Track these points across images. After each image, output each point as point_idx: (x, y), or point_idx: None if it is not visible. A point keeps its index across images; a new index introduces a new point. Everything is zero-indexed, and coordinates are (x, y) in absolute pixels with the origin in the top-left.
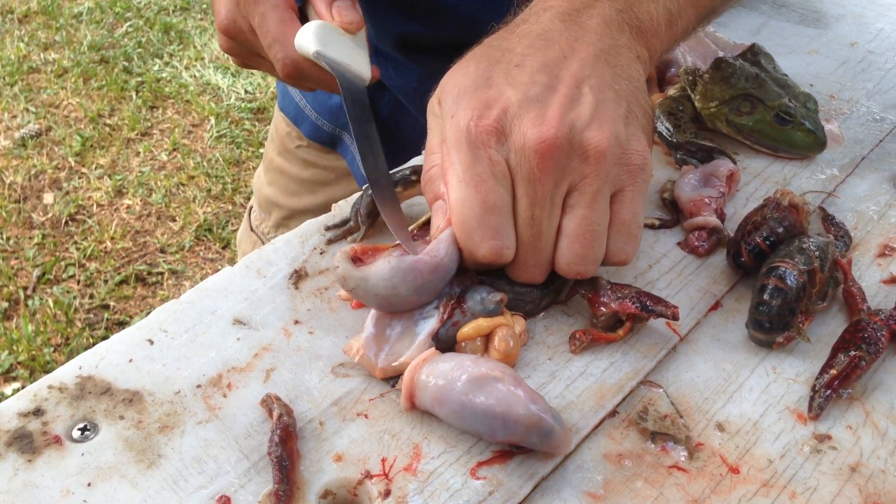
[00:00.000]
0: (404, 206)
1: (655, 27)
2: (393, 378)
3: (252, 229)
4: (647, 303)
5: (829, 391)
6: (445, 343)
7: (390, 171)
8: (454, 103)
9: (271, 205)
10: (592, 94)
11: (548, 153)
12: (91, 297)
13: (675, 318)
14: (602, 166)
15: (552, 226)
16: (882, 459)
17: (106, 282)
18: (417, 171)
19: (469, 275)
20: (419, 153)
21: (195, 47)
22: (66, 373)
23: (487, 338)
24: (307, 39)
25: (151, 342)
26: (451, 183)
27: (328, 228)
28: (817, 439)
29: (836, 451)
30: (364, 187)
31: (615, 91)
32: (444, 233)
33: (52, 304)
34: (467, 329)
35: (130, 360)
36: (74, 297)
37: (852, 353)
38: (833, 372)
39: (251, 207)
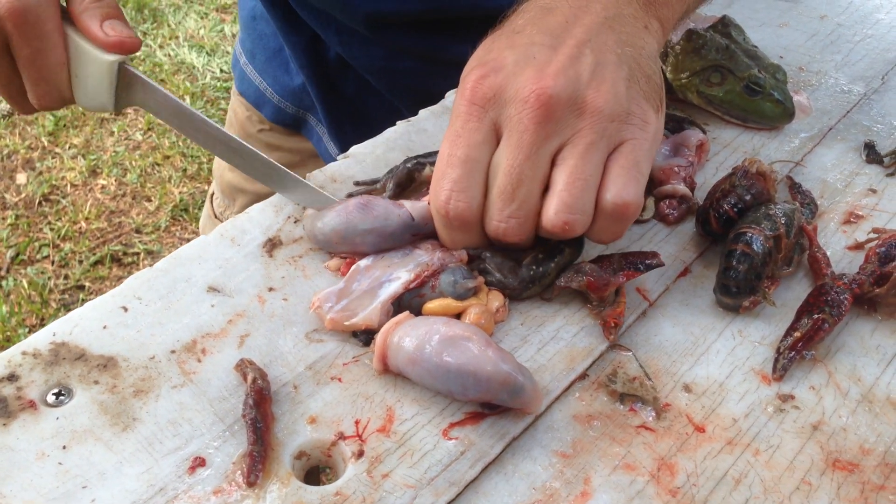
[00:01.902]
0: None
1: (671, 2)
2: (364, 335)
3: (216, 216)
4: (639, 262)
5: (792, 353)
6: (408, 311)
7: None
8: (461, 82)
9: (235, 191)
10: (593, 55)
11: (542, 106)
12: (66, 277)
13: (662, 264)
14: (597, 121)
15: (535, 177)
16: (843, 418)
17: (81, 262)
18: None
19: (458, 253)
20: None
21: (169, 26)
22: (39, 339)
23: (458, 315)
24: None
25: (125, 309)
26: None
27: (357, 184)
28: (781, 399)
29: (798, 411)
30: (405, 159)
31: (617, 55)
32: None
33: (26, 285)
34: (434, 305)
35: (105, 327)
36: (49, 278)
37: (816, 315)
38: (797, 334)
39: (212, 194)
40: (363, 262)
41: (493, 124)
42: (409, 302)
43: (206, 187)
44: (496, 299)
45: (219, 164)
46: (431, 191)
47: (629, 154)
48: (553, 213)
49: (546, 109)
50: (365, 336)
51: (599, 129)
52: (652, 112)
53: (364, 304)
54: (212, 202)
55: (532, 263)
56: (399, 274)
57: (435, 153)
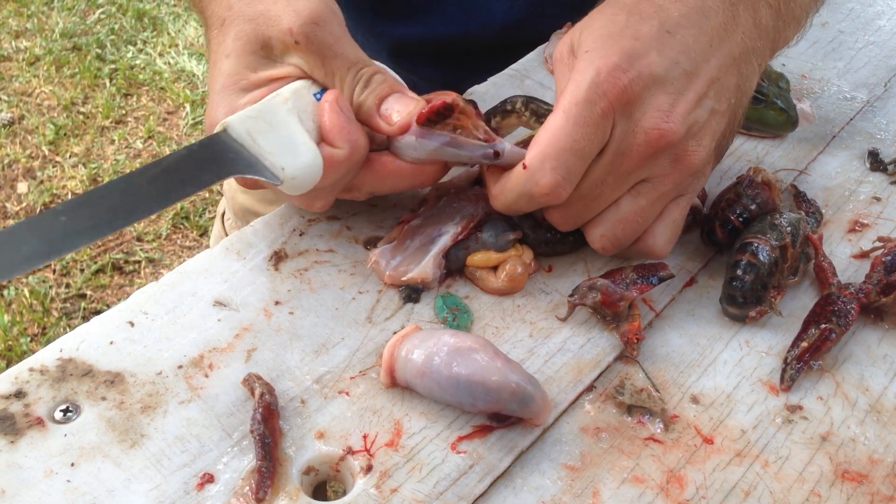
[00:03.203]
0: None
1: (784, 41)
2: (407, 290)
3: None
4: (652, 276)
5: (800, 363)
6: (455, 264)
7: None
8: (594, 42)
9: (248, 213)
10: (713, 101)
11: (655, 145)
12: (67, 286)
13: (673, 275)
14: (683, 175)
15: (612, 197)
16: (852, 428)
17: (82, 271)
18: (513, 101)
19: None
20: None
21: (169, 34)
22: (46, 355)
23: (495, 267)
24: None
25: (132, 324)
26: (555, 110)
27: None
28: (789, 410)
29: (807, 422)
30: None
31: (729, 105)
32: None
33: (27, 294)
34: (478, 257)
35: (111, 343)
36: (50, 287)
37: (823, 325)
38: (804, 344)
39: (223, 213)
40: (414, 222)
41: (613, 125)
42: (455, 255)
43: (208, 195)
44: (527, 253)
45: (230, 186)
46: (539, 162)
47: (683, 209)
48: (600, 235)
49: (656, 149)
50: (408, 291)
51: (679, 181)
52: (711, 167)
53: (417, 258)
54: (223, 222)
55: (551, 227)
56: (447, 228)
57: (544, 103)
